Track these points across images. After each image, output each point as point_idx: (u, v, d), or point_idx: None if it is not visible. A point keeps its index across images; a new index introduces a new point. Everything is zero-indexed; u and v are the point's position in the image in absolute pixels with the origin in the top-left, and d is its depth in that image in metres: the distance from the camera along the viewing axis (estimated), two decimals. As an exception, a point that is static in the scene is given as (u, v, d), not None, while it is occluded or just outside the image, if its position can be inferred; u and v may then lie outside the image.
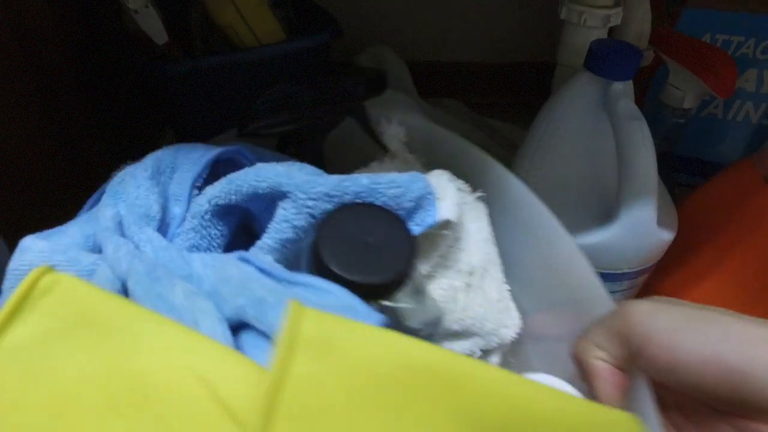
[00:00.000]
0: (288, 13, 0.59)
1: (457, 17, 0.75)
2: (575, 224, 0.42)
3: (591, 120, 0.42)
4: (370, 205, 0.24)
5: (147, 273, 0.22)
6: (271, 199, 0.25)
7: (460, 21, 0.75)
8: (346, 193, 0.25)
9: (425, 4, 0.73)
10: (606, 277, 0.44)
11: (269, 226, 0.25)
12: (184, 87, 0.54)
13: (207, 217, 0.26)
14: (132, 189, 0.27)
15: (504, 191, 0.34)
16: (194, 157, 0.28)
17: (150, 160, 0.28)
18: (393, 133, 0.36)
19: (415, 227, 0.27)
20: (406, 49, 0.73)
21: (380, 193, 0.26)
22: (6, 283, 0.26)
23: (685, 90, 0.53)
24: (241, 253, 0.25)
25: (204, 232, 0.26)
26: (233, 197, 0.25)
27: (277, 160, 0.31)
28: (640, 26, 0.54)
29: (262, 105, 0.33)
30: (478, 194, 0.33)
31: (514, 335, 0.32)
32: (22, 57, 0.38)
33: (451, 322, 0.30)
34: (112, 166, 0.30)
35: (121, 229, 0.26)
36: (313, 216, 0.25)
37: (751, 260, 0.45)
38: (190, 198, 0.28)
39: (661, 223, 0.42)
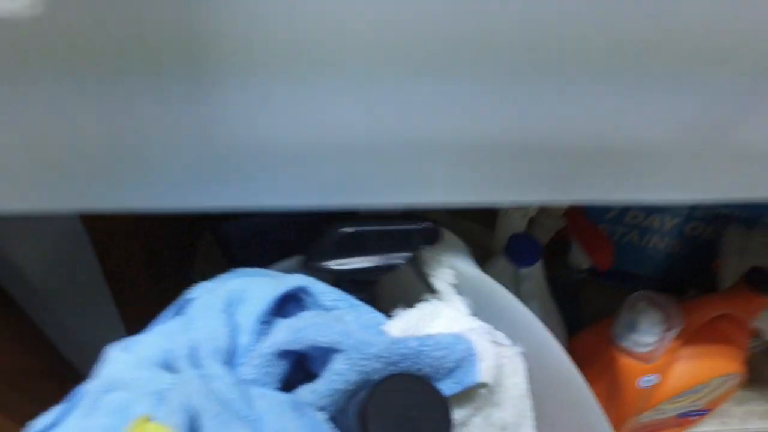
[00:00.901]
0: None
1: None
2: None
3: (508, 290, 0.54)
4: (415, 378, 0.27)
5: (217, 414, 0.25)
6: (327, 350, 0.28)
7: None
8: (396, 355, 0.28)
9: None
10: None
11: (323, 374, 0.28)
12: (234, 240, 0.67)
13: (270, 358, 0.29)
14: (206, 320, 0.30)
15: (541, 350, 0.36)
16: (262, 294, 0.32)
17: (222, 291, 0.32)
18: (442, 275, 0.39)
19: (455, 385, 0.30)
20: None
21: (426, 354, 0.28)
22: (86, 399, 0.29)
23: (581, 257, 0.74)
24: (296, 397, 0.27)
25: (265, 370, 0.29)
26: (296, 345, 0.28)
27: (340, 297, 0.34)
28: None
29: (329, 241, 0.37)
30: (518, 350, 0.35)
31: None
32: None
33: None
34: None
35: (193, 355, 0.29)
36: (363, 372, 0.27)
37: (603, 388, 0.62)
38: (255, 331, 0.31)
39: None
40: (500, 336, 0.35)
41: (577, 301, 0.80)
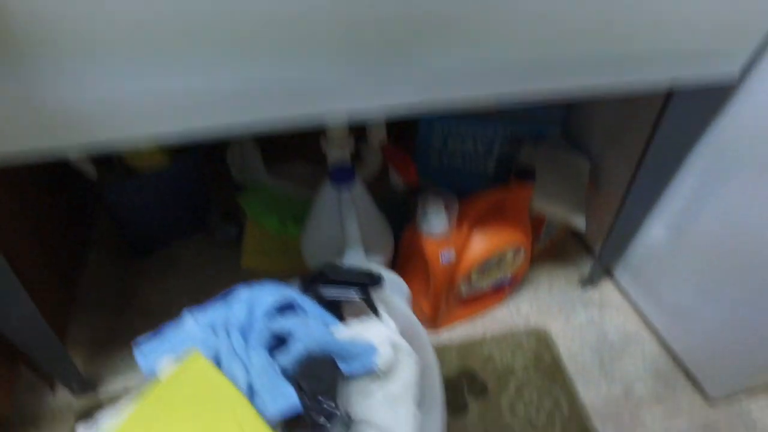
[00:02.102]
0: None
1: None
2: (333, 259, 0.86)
3: (335, 207, 0.84)
4: (325, 357, 0.52)
5: (230, 358, 0.51)
6: (293, 337, 0.54)
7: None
8: (326, 342, 0.53)
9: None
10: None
11: (288, 349, 0.53)
12: (115, 200, 1.00)
13: (265, 334, 0.54)
14: (237, 309, 0.56)
15: (424, 354, 0.60)
16: (269, 300, 0.57)
17: (248, 294, 0.58)
18: (380, 305, 0.64)
19: (360, 368, 0.54)
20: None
21: (345, 349, 0.53)
22: (167, 332, 0.56)
23: (397, 178, 1.00)
24: (271, 357, 0.53)
25: (262, 340, 0.54)
26: (278, 330, 0.54)
27: (316, 309, 0.59)
28: (377, 137, 0.98)
29: (316, 278, 0.62)
30: (413, 354, 0.60)
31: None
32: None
33: (372, 417, 0.56)
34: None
35: (227, 327, 0.55)
36: (307, 351, 0.52)
37: (421, 269, 0.92)
38: (261, 319, 0.56)
39: (374, 252, 0.89)
40: (404, 345, 0.59)
41: (405, 209, 1.04)
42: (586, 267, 1.14)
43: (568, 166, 1.06)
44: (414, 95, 0.56)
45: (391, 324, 0.63)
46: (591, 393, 0.92)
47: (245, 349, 0.53)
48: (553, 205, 0.99)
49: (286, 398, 0.49)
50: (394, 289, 0.66)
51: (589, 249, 1.19)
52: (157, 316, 0.99)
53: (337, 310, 0.64)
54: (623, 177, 0.95)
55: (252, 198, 1.13)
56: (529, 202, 0.95)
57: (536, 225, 1.03)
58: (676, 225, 0.92)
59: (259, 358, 0.52)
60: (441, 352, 0.96)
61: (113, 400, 0.85)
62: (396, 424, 0.57)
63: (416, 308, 0.99)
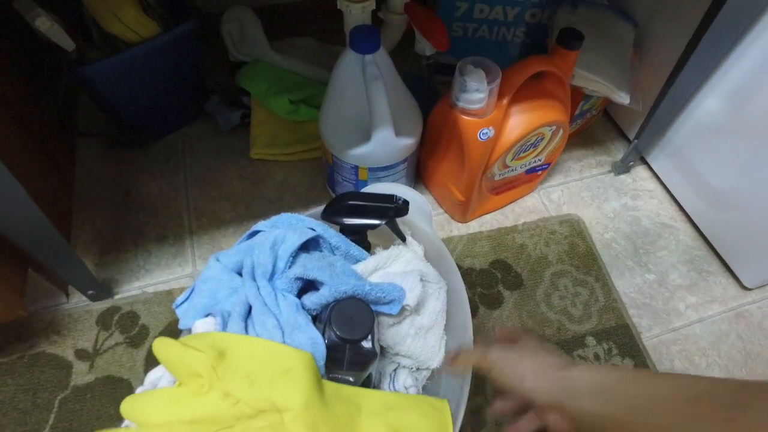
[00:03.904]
0: (160, 10, 0.87)
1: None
2: (354, 142, 0.79)
3: (357, 79, 0.72)
4: (358, 300, 0.51)
5: (261, 306, 0.51)
6: (321, 282, 0.53)
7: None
8: (356, 291, 0.52)
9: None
10: (385, 168, 0.84)
11: (317, 294, 0.53)
12: (99, 82, 0.84)
13: (292, 279, 0.54)
14: (261, 252, 0.55)
15: (451, 280, 0.60)
16: (294, 239, 0.56)
17: (272, 235, 0.56)
18: (406, 231, 0.62)
19: (389, 309, 0.54)
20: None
21: (374, 293, 0.52)
22: (197, 283, 0.56)
23: (423, 43, 0.86)
24: (300, 302, 0.53)
25: (289, 285, 0.54)
26: (304, 276, 0.53)
27: (341, 241, 0.58)
28: (398, -1, 0.87)
29: (339, 207, 0.60)
30: (443, 284, 0.59)
31: (436, 366, 0.58)
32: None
33: (404, 350, 0.57)
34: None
35: (252, 272, 0.55)
36: (335, 296, 0.52)
37: (455, 150, 0.85)
38: (287, 261, 0.56)
39: (404, 133, 0.80)
40: (432, 273, 0.59)
41: (431, 84, 0.95)
42: (618, 152, 1.09)
43: (611, 33, 0.94)
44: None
45: (418, 248, 0.62)
46: (625, 282, 0.93)
47: (274, 297, 0.53)
48: (595, 77, 0.88)
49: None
50: (417, 208, 0.64)
51: (621, 133, 1.12)
52: (160, 211, 0.96)
53: (361, 236, 0.62)
54: (675, 45, 0.85)
55: (254, 75, 1.02)
56: (571, 74, 0.85)
57: (572, 102, 0.92)
58: (730, 102, 0.85)
59: (288, 309, 0.52)
60: (472, 241, 0.95)
61: (131, 303, 0.85)
62: (425, 351, 0.58)
63: (447, 196, 0.95)
